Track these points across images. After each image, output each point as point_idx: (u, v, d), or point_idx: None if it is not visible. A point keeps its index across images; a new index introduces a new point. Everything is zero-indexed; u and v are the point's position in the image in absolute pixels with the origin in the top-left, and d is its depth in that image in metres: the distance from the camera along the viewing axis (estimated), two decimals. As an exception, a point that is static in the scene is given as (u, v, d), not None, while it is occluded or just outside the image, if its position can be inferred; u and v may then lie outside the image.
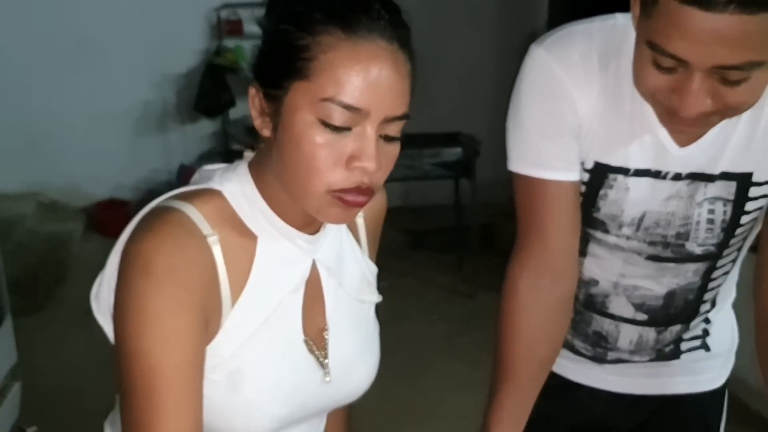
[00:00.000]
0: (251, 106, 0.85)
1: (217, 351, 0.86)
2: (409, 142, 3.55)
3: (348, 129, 0.80)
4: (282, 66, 0.81)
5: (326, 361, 0.95)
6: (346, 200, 0.82)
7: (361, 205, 0.84)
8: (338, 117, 0.79)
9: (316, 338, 0.95)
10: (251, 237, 0.89)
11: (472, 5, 5.00)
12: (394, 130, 0.83)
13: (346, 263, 0.98)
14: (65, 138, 4.65)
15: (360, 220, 1.03)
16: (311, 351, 0.94)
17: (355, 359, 1.00)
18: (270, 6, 0.85)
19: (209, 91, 4.57)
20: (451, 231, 4.37)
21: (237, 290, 0.87)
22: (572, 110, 1.05)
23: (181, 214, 0.83)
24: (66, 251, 4.14)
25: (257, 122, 0.85)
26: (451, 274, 4.14)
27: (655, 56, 0.88)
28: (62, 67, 4.60)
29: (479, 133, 3.99)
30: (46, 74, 4.59)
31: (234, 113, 4.90)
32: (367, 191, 0.83)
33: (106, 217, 4.46)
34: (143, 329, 0.79)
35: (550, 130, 1.07)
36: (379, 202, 1.05)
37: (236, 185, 0.89)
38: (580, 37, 1.05)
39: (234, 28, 4.83)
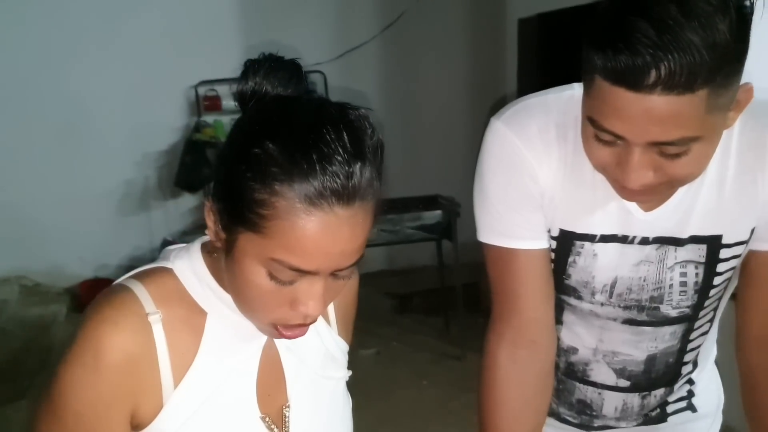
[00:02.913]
0: (206, 216, 0.85)
1: (160, 427, 0.86)
2: (390, 206, 3.62)
3: (295, 280, 0.81)
4: (237, 212, 0.79)
5: None
6: (286, 334, 0.86)
7: (300, 336, 0.87)
8: (286, 275, 0.80)
9: (276, 416, 0.95)
10: (201, 313, 0.90)
11: (448, 71, 5.12)
12: (347, 271, 0.83)
13: (308, 341, 0.98)
14: (48, 220, 4.66)
15: None
16: (269, 428, 0.93)
17: None
18: (232, 134, 0.84)
19: (189, 166, 4.60)
20: (436, 292, 4.36)
21: (183, 366, 0.87)
22: (533, 180, 1.06)
23: (130, 293, 0.86)
24: (50, 334, 4.09)
25: (210, 233, 0.85)
26: (439, 337, 4.12)
27: (595, 131, 0.90)
28: (44, 150, 4.64)
29: (458, 194, 4.03)
30: (27, 158, 4.63)
31: (215, 187, 4.91)
32: (306, 327, 0.87)
33: (91, 297, 4.33)
34: (61, 413, 0.84)
35: (513, 201, 1.08)
36: (348, 284, 1.05)
37: (187, 263, 0.90)
38: (537, 110, 1.07)
39: (212, 103, 4.89)
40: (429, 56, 5.07)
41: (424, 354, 3.97)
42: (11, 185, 4.59)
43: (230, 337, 0.91)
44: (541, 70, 3.87)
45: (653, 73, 0.80)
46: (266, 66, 0.85)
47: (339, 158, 0.76)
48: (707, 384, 1.28)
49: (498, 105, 1.16)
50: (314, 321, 0.86)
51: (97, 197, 4.73)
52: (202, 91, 4.89)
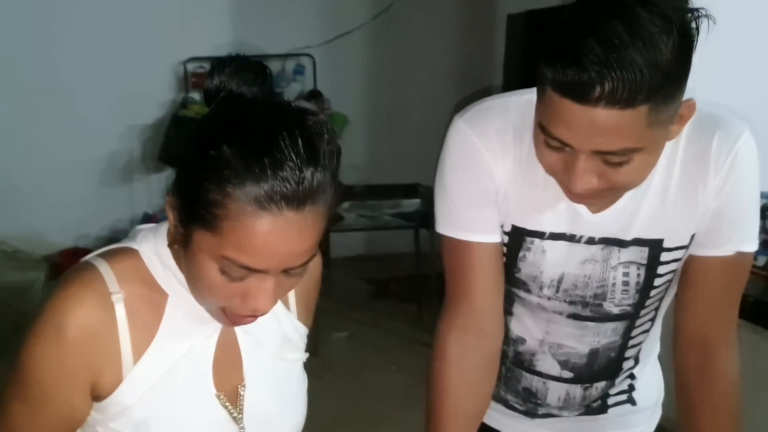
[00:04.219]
0: (167, 210, 0.89)
1: (119, 400, 0.92)
2: (370, 193, 3.69)
3: (245, 276, 0.85)
4: (194, 210, 0.83)
5: (240, 416, 1.00)
6: (236, 322, 0.92)
7: (249, 323, 0.93)
8: (237, 272, 0.84)
9: (231, 394, 1.00)
10: (162, 294, 0.94)
11: (434, 62, 5.16)
12: (299, 269, 0.87)
13: (264, 323, 1.02)
14: (30, 188, 4.68)
15: None
16: (223, 405, 0.99)
17: (275, 414, 1.04)
18: (194, 133, 0.86)
19: (174, 141, 4.62)
20: (412, 279, 4.43)
21: (143, 343, 0.92)
22: (489, 178, 1.12)
23: (95, 272, 0.91)
24: (26, 300, 4.11)
25: (171, 226, 0.90)
26: (412, 323, 4.18)
27: (545, 137, 0.96)
28: (28, 117, 4.66)
29: (438, 184, 4.08)
30: (10, 124, 4.64)
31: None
32: (255, 317, 0.91)
33: (69, 266, 4.43)
34: (25, 383, 0.90)
35: (470, 196, 1.14)
36: (311, 268, 1.10)
37: (152, 246, 0.95)
38: (498, 112, 1.12)
39: (200, 80, 4.90)
40: (417, 46, 5.11)
41: (396, 339, 4.03)
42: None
43: (189, 319, 0.96)
44: (526, 65, 3.92)
45: (598, 89, 0.86)
46: (232, 66, 0.89)
47: (291, 164, 0.79)
48: (648, 379, 1.34)
49: (483, 95, 1.20)
50: (265, 313, 0.90)
51: (81, 167, 4.75)
52: (191, 67, 4.91)
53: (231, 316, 0.91)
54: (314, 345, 4.00)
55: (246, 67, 0.90)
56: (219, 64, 0.89)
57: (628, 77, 0.85)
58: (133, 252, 0.95)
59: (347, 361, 3.94)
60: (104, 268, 0.92)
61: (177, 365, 0.95)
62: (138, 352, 0.92)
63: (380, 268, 4.91)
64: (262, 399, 1.03)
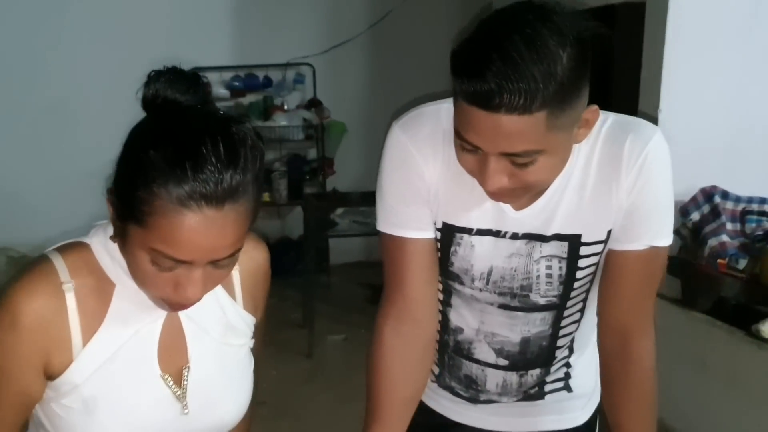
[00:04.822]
0: (108, 206, 0.98)
1: (69, 379, 1.02)
2: (364, 199, 3.77)
3: (174, 267, 0.94)
4: (127, 207, 0.93)
5: (183, 394, 1.10)
6: (174, 308, 1.03)
7: (185, 309, 1.04)
8: (165, 263, 0.93)
9: (176, 375, 1.10)
10: (110, 284, 1.05)
11: (431, 70, 5.23)
12: (225, 261, 0.96)
13: (208, 311, 1.13)
14: (35, 196, 4.82)
15: (236, 275, 1.18)
16: (167, 384, 1.09)
17: (218, 395, 1.14)
18: (128, 137, 0.96)
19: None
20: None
21: (92, 328, 1.03)
22: (421, 179, 1.21)
23: (49, 264, 1.02)
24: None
25: (111, 221, 1.00)
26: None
27: (460, 141, 1.06)
28: (34, 127, 4.81)
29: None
30: (17, 134, 4.78)
31: (201, 171, 5.08)
32: (190, 304, 1.01)
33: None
34: None
35: (404, 196, 1.23)
36: (255, 260, 1.20)
37: (102, 239, 1.05)
38: (429, 118, 1.22)
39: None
40: (414, 54, 5.20)
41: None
42: (1, 161, 4.77)
43: (135, 305, 1.05)
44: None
45: (497, 98, 0.96)
46: (167, 76, 0.98)
47: (211, 167, 0.89)
48: (585, 368, 1.41)
49: (416, 102, 1.30)
50: (197, 301, 1.00)
51: (85, 176, 4.84)
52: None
53: (169, 303, 1.01)
54: (309, 347, 4.12)
55: (180, 77, 0.99)
56: (155, 74, 0.99)
57: (524, 87, 0.95)
58: (84, 246, 1.06)
59: (342, 363, 4.02)
60: (57, 260, 1.02)
61: (123, 347, 1.05)
62: (87, 336, 1.03)
63: (378, 273, 4.98)
64: (205, 380, 1.12)
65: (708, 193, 3.11)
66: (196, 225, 0.90)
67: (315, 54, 5.21)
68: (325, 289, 4.99)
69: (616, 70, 3.37)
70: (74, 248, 1.05)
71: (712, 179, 3.14)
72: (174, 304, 1.01)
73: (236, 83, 5.15)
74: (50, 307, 1.00)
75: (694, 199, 3.12)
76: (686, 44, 3.06)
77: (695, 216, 3.10)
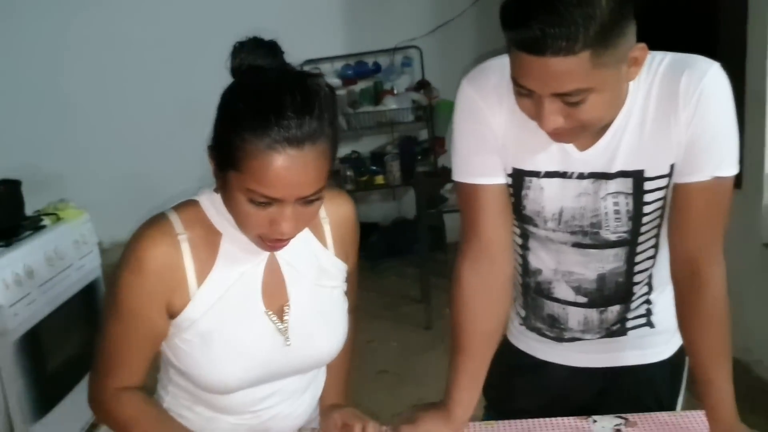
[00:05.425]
0: (209, 161, 1.14)
1: (188, 315, 1.20)
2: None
3: (269, 204, 1.09)
4: (224, 156, 1.09)
5: (285, 327, 1.25)
6: (269, 245, 1.17)
7: (282, 247, 1.19)
8: (260, 201, 1.08)
9: (278, 312, 1.26)
10: (217, 234, 1.21)
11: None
12: (311, 199, 1.11)
13: (303, 256, 1.28)
14: (171, 191, 5.21)
15: (326, 225, 1.32)
16: (271, 320, 1.24)
17: (316, 330, 1.29)
18: (221, 98, 1.11)
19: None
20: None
21: (204, 272, 1.20)
22: (489, 128, 1.31)
23: (165, 219, 1.19)
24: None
25: (213, 174, 1.16)
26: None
27: (517, 87, 1.15)
28: (170, 126, 5.22)
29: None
30: (157, 133, 5.22)
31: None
32: (285, 241, 1.16)
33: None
34: (118, 306, 1.19)
35: (474, 145, 1.33)
36: (342, 212, 1.34)
37: (208, 196, 1.23)
38: (494, 70, 1.31)
39: (316, 80, 5.26)
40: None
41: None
42: (143, 157, 5.29)
43: (240, 252, 1.22)
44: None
45: (542, 42, 1.05)
46: (249, 45, 1.14)
47: (290, 114, 1.04)
48: (667, 304, 1.43)
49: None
50: (291, 237, 1.15)
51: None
52: (306, 69, 5.26)
53: (267, 242, 1.15)
54: (427, 320, 4.25)
55: (260, 44, 1.15)
56: (239, 45, 1.14)
57: (565, 31, 1.03)
58: (195, 203, 1.24)
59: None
60: (173, 216, 1.21)
61: (232, 287, 1.22)
62: (201, 279, 1.20)
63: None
64: (304, 316, 1.28)
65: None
66: (282, 164, 1.05)
67: (421, 36, 5.32)
68: (442, 265, 5.11)
69: (722, 18, 3.27)
70: (186, 205, 1.23)
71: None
72: (271, 242, 1.15)
73: (347, 72, 5.36)
74: (169, 254, 1.18)
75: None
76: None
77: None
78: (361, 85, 5.41)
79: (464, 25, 5.33)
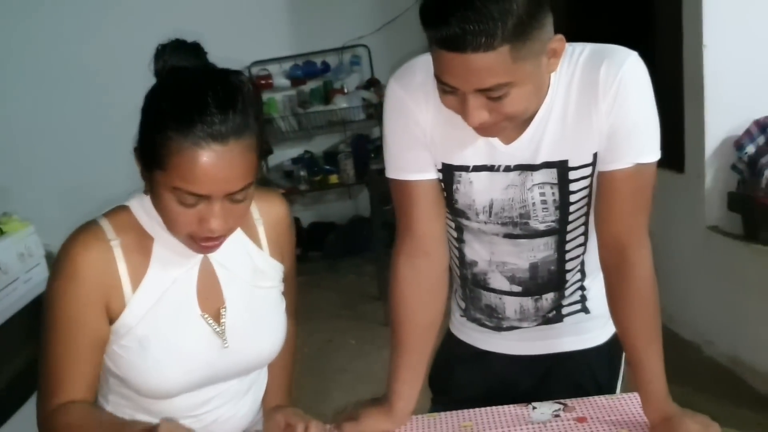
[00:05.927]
0: (136, 162, 1.14)
1: (125, 322, 1.19)
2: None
3: (197, 202, 1.10)
4: (149, 155, 1.09)
5: (223, 329, 1.25)
6: (201, 245, 1.16)
7: (214, 248, 1.18)
8: (187, 199, 1.09)
9: (215, 315, 1.26)
10: (149, 238, 1.21)
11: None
12: (239, 195, 1.11)
13: (237, 258, 1.29)
14: (119, 200, 5.15)
15: (260, 227, 1.33)
16: (207, 323, 1.25)
17: (253, 331, 1.29)
18: (145, 99, 1.11)
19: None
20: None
21: (138, 277, 1.20)
22: (417, 124, 1.32)
23: (96, 226, 1.19)
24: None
25: (140, 175, 1.16)
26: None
27: (440, 84, 1.17)
28: (112, 134, 5.12)
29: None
30: (100, 142, 5.13)
31: (272, 160, 5.31)
32: (216, 239, 1.15)
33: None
34: (56, 316, 1.17)
35: (403, 142, 1.35)
36: (276, 212, 1.35)
37: (138, 201, 1.23)
38: (420, 67, 1.32)
39: (265, 82, 5.25)
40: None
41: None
42: (90, 168, 5.17)
43: (173, 255, 1.22)
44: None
45: (462, 39, 1.06)
46: (171, 46, 1.15)
47: (213, 110, 1.05)
48: (601, 289, 1.45)
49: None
50: (222, 235, 1.15)
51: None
52: (255, 70, 5.25)
53: (199, 242, 1.15)
54: (385, 316, 4.27)
55: (183, 45, 1.16)
56: (161, 47, 1.15)
57: (483, 27, 1.05)
58: (125, 208, 1.23)
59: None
60: (103, 222, 1.20)
61: (167, 291, 1.22)
62: (135, 284, 1.20)
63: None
64: (241, 318, 1.28)
65: (762, 124, 3.06)
66: (207, 160, 1.05)
67: (368, 34, 5.34)
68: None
69: (657, 6, 3.35)
70: (117, 211, 1.23)
71: (765, 110, 3.09)
72: (203, 242, 1.15)
73: (296, 72, 5.36)
74: (103, 260, 1.17)
75: (747, 132, 3.08)
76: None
77: (750, 149, 3.05)
78: (310, 85, 5.42)
79: (410, 21, 5.30)
